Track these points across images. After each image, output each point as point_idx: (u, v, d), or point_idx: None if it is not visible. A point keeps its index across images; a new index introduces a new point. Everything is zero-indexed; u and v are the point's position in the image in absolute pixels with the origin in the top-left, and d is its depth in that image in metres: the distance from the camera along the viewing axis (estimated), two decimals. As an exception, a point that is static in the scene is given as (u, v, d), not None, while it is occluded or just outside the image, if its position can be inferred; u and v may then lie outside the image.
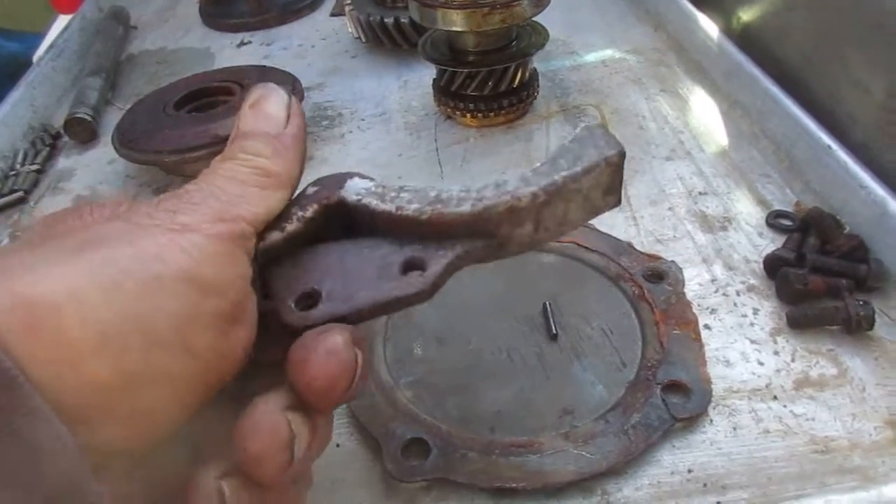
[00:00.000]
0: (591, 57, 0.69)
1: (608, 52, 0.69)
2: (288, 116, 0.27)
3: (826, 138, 0.47)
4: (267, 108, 0.27)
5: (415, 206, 0.26)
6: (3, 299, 0.18)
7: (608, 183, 0.27)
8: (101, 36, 0.78)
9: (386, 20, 0.69)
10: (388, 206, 0.26)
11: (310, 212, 0.26)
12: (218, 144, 0.53)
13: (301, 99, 0.59)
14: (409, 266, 0.25)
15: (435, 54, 0.58)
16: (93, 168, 0.62)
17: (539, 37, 0.58)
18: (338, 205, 0.27)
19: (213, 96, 0.60)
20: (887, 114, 0.44)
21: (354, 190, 0.27)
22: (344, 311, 0.24)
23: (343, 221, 0.27)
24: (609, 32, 0.73)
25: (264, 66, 0.62)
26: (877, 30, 0.43)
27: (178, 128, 0.54)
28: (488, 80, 0.57)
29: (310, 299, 0.25)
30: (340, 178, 0.27)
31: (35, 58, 0.82)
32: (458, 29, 0.53)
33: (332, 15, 0.85)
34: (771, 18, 0.59)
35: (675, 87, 0.62)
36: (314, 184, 0.28)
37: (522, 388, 0.37)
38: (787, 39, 0.56)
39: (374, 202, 0.26)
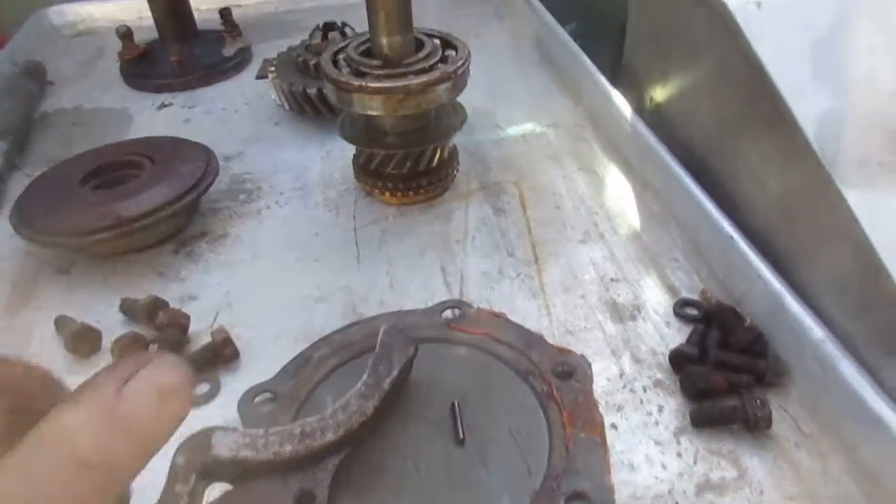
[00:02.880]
0: (512, 131, 0.70)
1: (529, 126, 0.71)
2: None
3: (728, 227, 0.48)
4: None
5: (289, 447, 0.31)
6: None
7: None
8: (11, 94, 0.75)
9: (309, 90, 0.68)
10: (266, 455, 0.30)
11: (192, 483, 0.28)
12: (121, 227, 0.51)
13: (216, 175, 0.57)
14: (300, 500, 0.31)
15: (353, 133, 0.58)
16: (-9, 243, 0.59)
17: (458, 117, 0.59)
18: (214, 463, 0.30)
19: (123, 170, 0.58)
20: (782, 209, 0.46)
21: (225, 445, 0.30)
22: None
23: (221, 471, 0.30)
24: (532, 104, 0.74)
25: (178, 139, 0.61)
26: (770, 128, 0.46)
27: (82, 207, 0.52)
28: (406, 161, 0.57)
29: None
30: (205, 437, 0.30)
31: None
32: (374, 113, 0.53)
33: (258, 77, 0.84)
34: (680, 102, 0.62)
35: (592, 164, 0.64)
36: (181, 451, 0.29)
37: (426, 501, 0.36)
38: (694, 125, 0.59)
39: (250, 454, 0.30)
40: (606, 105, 0.67)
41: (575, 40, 1.21)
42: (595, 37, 1.21)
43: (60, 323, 0.47)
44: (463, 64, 0.54)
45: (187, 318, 0.47)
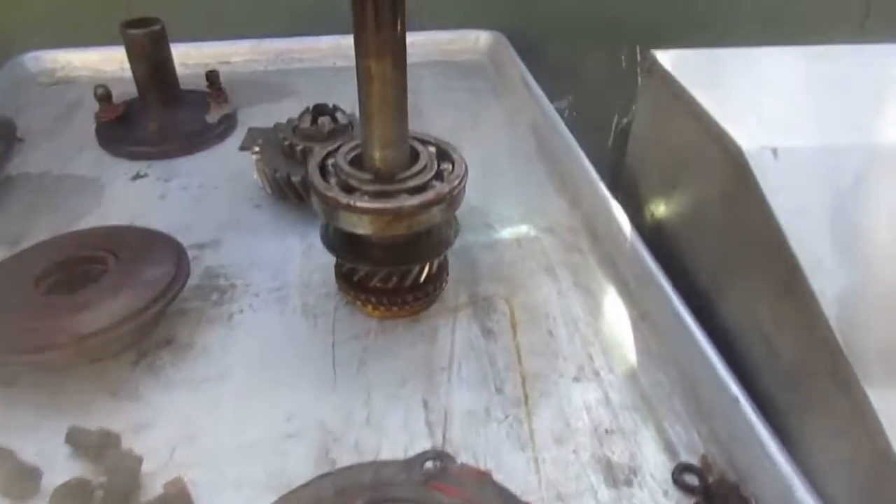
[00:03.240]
0: (505, 233, 0.67)
1: (523, 229, 0.67)
2: None
3: (734, 387, 0.45)
4: None
5: None
6: None
7: None
8: (-28, 159, 0.70)
9: (294, 178, 0.65)
10: None
11: None
12: (75, 345, 0.46)
13: (186, 278, 0.53)
14: None
15: (336, 244, 0.54)
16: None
17: (450, 231, 0.55)
18: None
19: (84, 265, 0.53)
20: (794, 380, 0.43)
21: None
22: None
23: None
24: (526, 203, 0.71)
25: (147, 232, 0.57)
26: (785, 291, 0.43)
27: (34, 317, 0.47)
28: (392, 276, 0.53)
29: None
30: None
31: None
32: (362, 232, 0.49)
33: (241, 149, 0.80)
34: (683, 229, 0.59)
35: (588, 282, 0.60)
36: None
37: None
38: (698, 258, 0.56)
39: None
40: (604, 215, 0.64)
41: (571, 113, 1.21)
42: (592, 112, 1.20)
43: (-4, 456, 0.43)
44: (459, 183, 0.51)
45: (139, 461, 0.42)
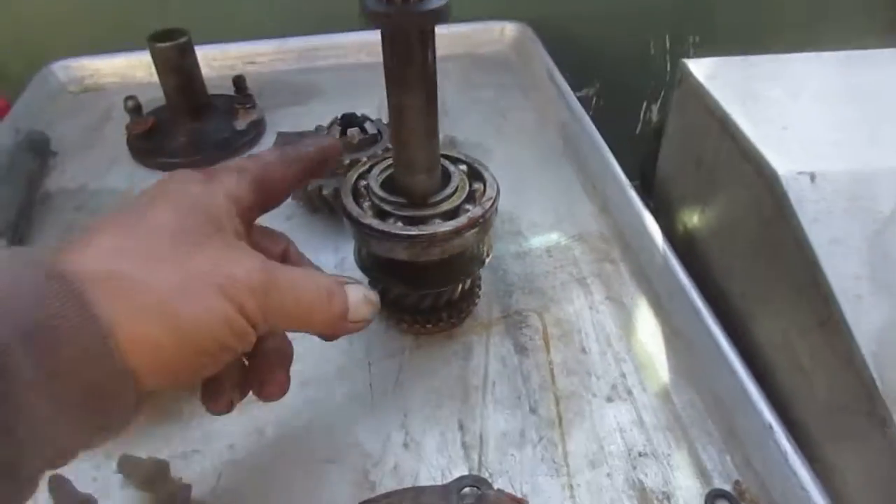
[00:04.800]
0: (536, 242, 0.67)
1: (554, 237, 0.68)
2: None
3: (767, 413, 0.45)
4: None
5: None
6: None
7: None
8: (10, 177, 0.71)
9: (325, 192, 0.65)
10: None
11: None
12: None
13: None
14: None
15: (370, 265, 0.55)
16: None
17: (483, 248, 0.56)
18: None
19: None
20: (829, 414, 0.43)
21: None
22: None
23: None
24: (555, 209, 0.71)
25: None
26: (819, 325, 0.43)
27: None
28: (426, 298, 0.54)
29: None
30: None
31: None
32: (395, 257, 0.50)
33: (271, 156, 0.80)
34: (716, 246, 0.59)
35: (620, 294, 0.61)
36: None
37: None
38: (731, 278, 0.56)
39: None
40: (636, 224, 0.64)
41: (598, 101, 1.19)
42: (618, 100, 1.18)
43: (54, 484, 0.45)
44: (492, 205, 0.51)
45: (189, 489, 0.44)
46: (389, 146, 0.62)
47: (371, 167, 0.54)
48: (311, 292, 0.35)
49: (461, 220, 0.49)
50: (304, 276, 0.35)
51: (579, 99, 0.83)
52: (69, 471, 0.45)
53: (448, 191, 0.51)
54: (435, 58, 0.45)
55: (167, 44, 0.74)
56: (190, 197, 0.33)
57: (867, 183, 0.44)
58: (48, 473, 0.45)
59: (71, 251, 0.29)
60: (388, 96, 0.47)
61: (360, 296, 0.38)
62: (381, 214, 0.50)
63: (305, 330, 0.37)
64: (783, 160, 0.46)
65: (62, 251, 0.29)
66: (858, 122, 0.50)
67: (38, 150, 0.76)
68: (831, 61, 0.58)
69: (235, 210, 0.35)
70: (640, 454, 0.48)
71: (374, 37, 0.44)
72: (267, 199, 0.39)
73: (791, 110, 0.51)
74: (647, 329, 0.57)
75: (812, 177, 0.45)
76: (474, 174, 0.54)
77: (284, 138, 0.82)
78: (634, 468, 0.47)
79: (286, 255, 0.44)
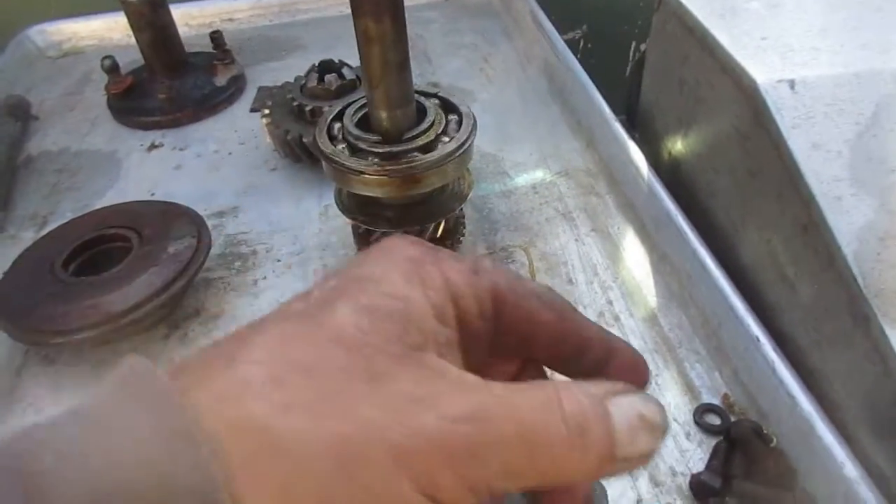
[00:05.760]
0: (521, 180, 0.66)
1: (539, 175, 0.67)
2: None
3: (754, 327, 0.45)
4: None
5: None
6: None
7: None
8: (-8, 142, 0.71)
9: (305, 140, 0.65)
10: None
11: None
12: (109, 323, 0.48)
13: (208, 251, 0.54)
14: None
15: (351, 207, 0.54)
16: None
17: (464, 184, 0.55)
18: None
19: (109, 243, 0.55)
20: (814, 321, 0.43)
21: None
22: None
23: None
24: (540, 147, 0.70)
25: (167, 206, 0.57)
26: (802, 232, 0.42)
27: (63, 300, 0.49)
28: (409, 234, 0.53)
29: None
30: None
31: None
32: (374, 195, 0.49)
33: (252, 110, 0.80)
34: (700, 167, 0.58)
35: (606, 225, 0.60)
36: None
37: None
38: (715, 198, 0.55)
39: None
40: (621, 156, 0.63)
41: (586, 44, 1.17)
42: (606, 41, 1.16)
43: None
44: (468, 137, 0.50)
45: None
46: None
47: (345, 108, 0.53)
48: (550, 434, 0.20)
49: (437, 152, 0.49)
50: (537, 408, 0.20)
51: (566, 42, 0.81)
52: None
53: (423, 126, 0.50)
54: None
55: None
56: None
57: (848, 87, 0.43)
58: (41, 408, 0.45)
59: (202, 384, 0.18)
60: (355, 28, 0.45)
61: (632, 416, 0.21)
62: (357, 153, 0.50)
63: (546, 488, 0.25)
64: (762, 69, 0.45)
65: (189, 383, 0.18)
66: (838, 29, 0.48)
67: (18, 115, 0.76)
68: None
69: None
70: (627, 376, 0.48)
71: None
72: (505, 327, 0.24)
73: (770, 21, 0.50)
74: (634, 257, 0.57)
75: (791, 84, 0.44)
76: (449, 107, 0.53)
77: (264, 93, 0.82)
78: (622, 390, 0.47)
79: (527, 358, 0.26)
